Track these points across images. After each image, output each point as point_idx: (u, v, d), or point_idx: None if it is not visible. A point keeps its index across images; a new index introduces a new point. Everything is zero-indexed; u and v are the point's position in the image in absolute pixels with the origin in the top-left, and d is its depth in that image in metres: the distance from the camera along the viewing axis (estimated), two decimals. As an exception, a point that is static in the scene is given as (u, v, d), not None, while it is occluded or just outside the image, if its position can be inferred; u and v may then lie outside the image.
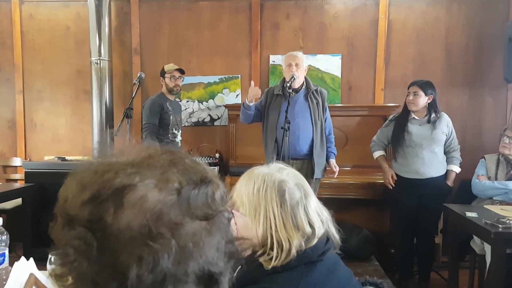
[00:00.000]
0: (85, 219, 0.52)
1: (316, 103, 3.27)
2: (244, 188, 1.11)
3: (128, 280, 0.49)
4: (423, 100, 3.32)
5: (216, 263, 0.55)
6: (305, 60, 3.31)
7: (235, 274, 0.61)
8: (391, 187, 3.46)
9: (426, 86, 3.33)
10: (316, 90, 3.31)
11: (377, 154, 3.60)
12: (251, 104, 3.23)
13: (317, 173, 3.22)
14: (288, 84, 3.10)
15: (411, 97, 3.34)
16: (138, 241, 0.50)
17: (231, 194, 1.12)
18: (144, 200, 0.52)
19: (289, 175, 1.12)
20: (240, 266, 0.62)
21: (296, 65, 3.20)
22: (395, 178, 3.44)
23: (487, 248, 2.81)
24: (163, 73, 3.85)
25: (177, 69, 3.82)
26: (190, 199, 0.54)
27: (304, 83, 3.31)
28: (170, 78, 3.80)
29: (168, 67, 3.85)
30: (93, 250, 0.51)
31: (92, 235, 0.51)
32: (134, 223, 0.51)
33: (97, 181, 0.53)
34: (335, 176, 3.36)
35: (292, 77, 3.13)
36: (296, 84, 3.20)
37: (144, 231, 0.50)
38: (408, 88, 3.41)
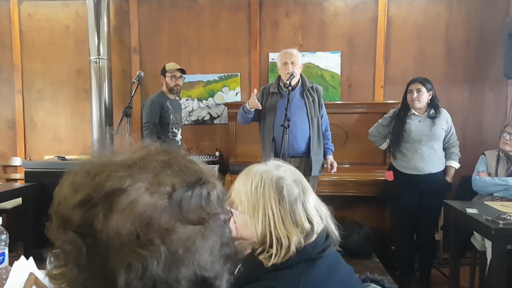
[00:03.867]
0: (76, 223, 0.51)
1: (312, 100, 3.26)
2: (242, 186, 1.11)
3: (117, 286, 0.49)
4: (425, 96, 3.32)
5: (211, 268, 0.54)
6: (301, 57, 3.30)
7: (235, 273, 0.60)
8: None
9: (426, 82, 3.34)
10: (312, 87, 3.30)
11: (385, 145, 3.62)
12: (252, 109, 3.23)
13: (315, 171, 3.21)
14: (288, 82, 3.09)
15: (415, 95, 3.31)
16: (127, 247, 0.49)
17: (229, 193, 1.12)
18: (133, 206, 0.51)
19: (286, 171, 1.12)
20: (238, 267, 0.61)
21: (292, 63, 3.18)
22: None
23: (488, 244, 2.81)
24: (164, 72, 3.83)
25: (178, 69, 3.81)
26: (182, 203, 0.53)
27: (300, 80, 3.29)
28: (171, 77, 3.78)
29: (170, 66, 3.83)
30: (83, 256, 0.50)
31: (82, 241, 0.50)
32: (123, 229, 0.50)
33: (88, 184, 0.53)
34: (333, 171, 3.34)
35: (292, 74, 3.12)
36: (293, 82, 3.19)
37: (132, 238, 0.50)
38: (409, 86, 3.39)
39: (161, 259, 0.50)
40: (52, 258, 0.55)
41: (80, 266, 0.51)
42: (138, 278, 0.49)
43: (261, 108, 3.24)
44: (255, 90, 3.24)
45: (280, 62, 3.26)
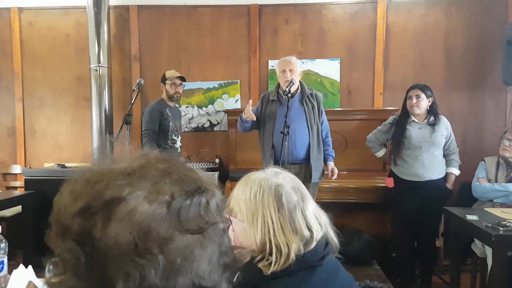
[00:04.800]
0: (75, 232, 0.51)
1: (312, 107, 3.27)
2: (241, 194, 1.11)
3: None
4: (425, 102, 3.34)
5: (209, 277, 0.54)
6: (299, 65, 3.31)
7: (233, 282, 0.60)
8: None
9: (426, 88, 3.36)
10: (311, 94, 3.31)
11: (381, 153, 3.63)
12: (248, 119, 3.25)
13: (315, 178, 3.21)
14: (287, 89, 3.10)
15: (414, 100, 3.33)
16: (125, 256, 0.49)
17: (228, 201, 1.12)
18: (132, 214, 0.51)
19: (285, 179, 1.12)
20: (237, 276, 0.61)
21: (290, 70, 3.20)
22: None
23: (488, 251, 2.80)
24: (164, 79, 3.85)
25: (178, 77, 3.82)
26: (180, 212, 0.53)
27: (299, 88, 3.31)
28: (171, 85, 3.80)
29: (170, 73, 3.84)
30: (81, 264, 0.50)
31: (80, 249, 0.51)
32: (122, 238, 0.50)
33: (88, 192, 0.53)
34: (334, 178, 3.35)
35: (291, 82, 3.13)
36: (292, 89, 3.20)
37: (131, 246, 0.50)
38: (408, 92, 3.41)
39: (159, 268, 0.50)
40: (51, 266, 0.55)
41: (78, 275, 0.51)
42: (136, 287, 0.49)
43: (255, 119, 3.25)
44: (250, 101, 3.23)
45: (279, 70, 3.28)
